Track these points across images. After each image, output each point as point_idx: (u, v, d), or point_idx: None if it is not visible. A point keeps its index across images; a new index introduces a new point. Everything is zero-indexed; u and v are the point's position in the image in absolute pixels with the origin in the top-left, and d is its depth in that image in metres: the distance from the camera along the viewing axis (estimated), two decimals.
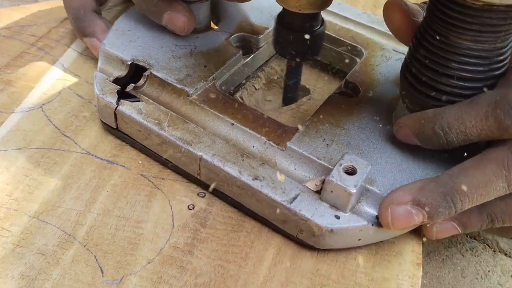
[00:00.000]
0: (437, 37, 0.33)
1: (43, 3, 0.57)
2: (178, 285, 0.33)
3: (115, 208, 0.37)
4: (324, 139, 0.38)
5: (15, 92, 0.45)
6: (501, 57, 0.33)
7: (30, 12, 0.55)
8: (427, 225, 0.35)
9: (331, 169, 0.35)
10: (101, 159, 0.40)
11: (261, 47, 0.48)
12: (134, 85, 0.41)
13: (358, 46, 0.48)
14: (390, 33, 0.48)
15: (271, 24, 0.48)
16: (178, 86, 0.40)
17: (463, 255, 0.42)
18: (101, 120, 0.42)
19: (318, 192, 0.35)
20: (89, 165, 0.40)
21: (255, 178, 0.36)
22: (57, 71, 0.48)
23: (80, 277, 0.33)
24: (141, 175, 0.40)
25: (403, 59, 0.46)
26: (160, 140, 0.38)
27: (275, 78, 0.50)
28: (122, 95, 0.40)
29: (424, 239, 0.37)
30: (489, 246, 0.43)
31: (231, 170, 0.36)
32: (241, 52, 0.45)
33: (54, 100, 0.45)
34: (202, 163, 0.37)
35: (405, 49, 0.47)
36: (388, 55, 0.47)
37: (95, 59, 0.49)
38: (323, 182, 0.35)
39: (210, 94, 0.41)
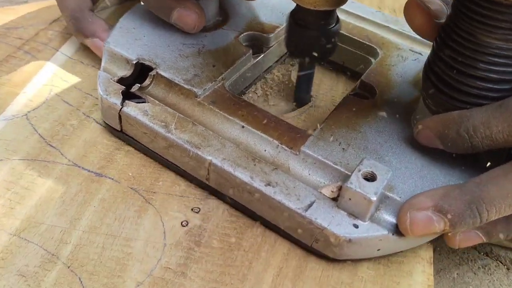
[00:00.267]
0: (464, 36, 0.31)
1: (33, 4, 0.54)
2: None
3: (102, 225, 0.35)
4: (340, 143, 0.36)
5: None
6: None
7: (18, 14, 0.52)
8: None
9: (348, 175, 0.33)
10: (89, 171, 0.38)
11: (272, 46, 0.46)
12: (139, 85, 0.39)
13: (373, 46, 0.46)
14: (405, 32, 0.47)
15: (281, 23, 0.46)
16: (186, 86, 0.38)
17: (475, 273, 0.40)
18: (105, 122, 0.40)
19: (334, 199, 0.33)
20: (76, 177, 0.37)
21: (268, 184, 0.34)
22: (44, 76, 0.45)
23: None
24: (131, 188, 0.37)
25: (420, 59, 0.45)
26: (167, 143, 0.36)
27: (284, 80, 0.48)
28: (127, 96, 0.39)
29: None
30: (502, 263, 0.41)
31: (242, 175, 0.34)
32: (251, 51, 0.43)
33: (40, 107, 0.42)
34: (212, 167, 0.35)
35: (422, 49, 0.46)
36: (405, 55, 0.45)
37: (84, 64, 0.47)
38: (339, 188, 0.33)
39: (219, 95, 0.39)
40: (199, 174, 0.36)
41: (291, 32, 0.39)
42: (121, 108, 0.37)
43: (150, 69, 0.40)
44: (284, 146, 0.36)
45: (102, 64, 0.41)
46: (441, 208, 0.30)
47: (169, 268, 0.33)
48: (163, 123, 0.37)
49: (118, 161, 0.39)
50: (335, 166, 0.34)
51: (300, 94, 0.44)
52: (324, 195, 0.34)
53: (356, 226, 0.32)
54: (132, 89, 0.39)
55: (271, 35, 0.45)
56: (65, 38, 0.50)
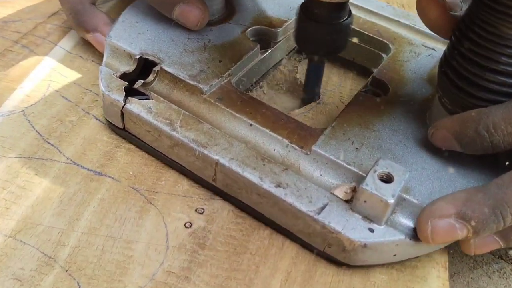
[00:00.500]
0: (486, 28, 0.29)
1: None
2: None
3: (102, 226, 0.33)
4: (353, 142, 0.34)
5: None
6: None
7: (15, 7, 0.51)
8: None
9: (362, 176, 0.32)
10: (88, 169, 0.36)
11: (280, 41, 0.44)
12: (143, 81, 0.37)
13: (385, 41, 0.44)
14: (417, 27, 0.45)
15: (290, 17, 0.45)
16: (191, 82, 0.37)
17: (490, 277, 0.38)
18: (107, 120, 0.38)
19: (348, 201, 0.32)
20: (74, 176, 0.36)
21: (278, 185, 0.32)
22: (42, 71, 0.44)
23: None
24: (132, 188, 0.35)
25: (433, 55, 0.43)
26: (172, 142, 0.35)
27: (287, 80, 0.46)
28: (130, 92, 0.37)
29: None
30: None
31: (251, 176, 0.32)
32: (258, 46, 0.41)
33: (38, 103, 0.41)
34: (219, 167, 0.33)
35: (435, 44, 0.44)
36: (418, 51, 0.43)
37: (84, 58, 0.45)
38: (353, 189, 0.32)
39: (226, 92, 0.37)
40: (205, 175, 0.35)
41: (301, 26, 0.38)
42: (124, 105, 0.36)
43: (154, 64, 0.38)
44: (294, 145, 0.34)
45: (104, 59, 0.39)
46: (464, 215, 0.29)
47: (172, 272, 0.31)
48: (168, 121, 0.35)
49: (118, 159, 0.37)
50: (348, 166, 0.33)
51: (308, 91, 0.43)
52: (337, 197, 0.32)
53: (371, 230, 0.30)
54: (135, 85, 0.37)
55: (279, 29, 0.44)
56: (64, 32, 0.48)
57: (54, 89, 0.42)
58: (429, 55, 0.43)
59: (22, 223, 0.33)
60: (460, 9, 0.33)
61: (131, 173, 0.36)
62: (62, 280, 0.30)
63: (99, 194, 0.35)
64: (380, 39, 0.44)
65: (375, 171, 0.30)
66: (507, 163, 0.32)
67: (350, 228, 0.30)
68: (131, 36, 0.40)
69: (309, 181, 0.32)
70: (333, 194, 0.32)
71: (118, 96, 0.36)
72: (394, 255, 0.31)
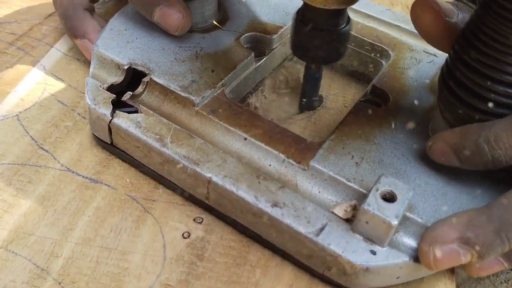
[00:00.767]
0: (494, 36, 0.28)
1: None
2: None
3: (97, 237, 0.32)
4: (353, 156, 0.33)
5: None
6: None
7: (11, 7, 0.50)
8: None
9: (362, 193, 0.30)
10: (83, 177, 0.35)
11: (275, 48, 0.42)
12: (131, 93, 0.35)
13: (384, 47, 0.42)
14: None
15: (285, 22, 0.43)
16: (182, 94, 0.35)
17: None
18: (94, 135, 0.36)
19: (348, 219, 0.30)
20: (69, 184, 0.35)
21: (274, 205, 0.30)
22: (37, 73, 0.42)
23: None
24: (128, 196, 0.34)
25: (435, 61, 0.41)
26: (162, 159, 0.33)
27: (289, 82, 0.44)
28: (118, 105, 0.35)
29: None
30: None
31: (246, 195, 0.31)
32: (253, 54, 0.40)
33: (32, 107, 0.40)
34: (212, 186, 0.31)
35: (436, 50, 0.42)
36: (419, 57, 0.41)
37: (80, 61, 0.44)
38: (354, 207, 0.30)
39: (219, 103, 0.35)
40: (197, 193, 0.33)
41: (298, 33, 0.36)
42: (111, 119, 0.34)
43: (143, 75, 0.36)
44: (291, 161, 0.32)
45: (91, 69, 0.38)
46: (468, 240, 0.27)
47: (169, 285, 0.30)
48: (157, 136, 0.33)
49: (115, 166, 0.36)
50: (348, 183, 0.31)
51: (306, 100, 0.41)
52: (336, 215, 0.30)
53: (373, 253, 0.28)
54: (123, 97, 0.35)
55: (275, 36, 0.42)
56: (60, 33, 0.47)
57: (49, 93, 0.41)
58: (430, 62, 0.41)
59: (14, 233, 0.32)
60: (456, 17, 0.31)
61: (127, 180, 0.35)
62: None
63: (94, 202, 0.34)
64: (380, 45, 0.42)
65: (377, 190, 0.29)
66: None
67: (351, 250, 0.28)
68: (119, 45, 0.38)
69: (307, 199, 0.31)
70: (333, 212, 0.30)
71: (105, 110, 0.34)
72: (398, 277, 0.29)
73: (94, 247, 0.32)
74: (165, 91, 0.35)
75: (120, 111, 0.34)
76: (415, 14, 0.31)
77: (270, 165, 0.33)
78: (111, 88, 0.36)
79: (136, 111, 0.35)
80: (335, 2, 0.32)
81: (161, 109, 0.35)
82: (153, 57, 0.37)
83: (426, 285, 0.31)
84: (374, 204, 0.28)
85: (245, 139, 0.33)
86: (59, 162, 0.36)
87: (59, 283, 0.30)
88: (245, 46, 0.40)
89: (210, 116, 0.34)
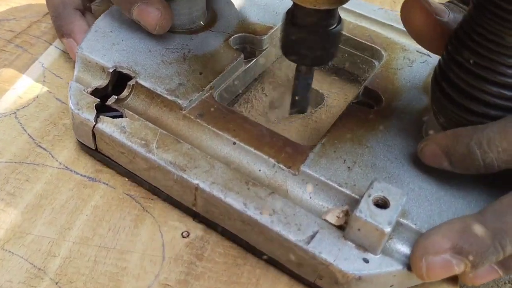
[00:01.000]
0: (488, 36, 0.27)
1: None
2: None
3: (95, 236, 0.32)
4: (345, 160, 0.32)
5: None
6: None
7: (9, 5, 0.49)
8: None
9: (355, 198, 0.29)
10: (81, 175, 0.35)
11: (265, 49, 0.41)
12: (116, 97, 0.34)
13: (377, 47, 0.41)
14: None
15: (275, 23, 0.42)
16: (169, 97, 0.34)
17: None
18: (78, 140, 0.35)
19: (340, 226, 0.29)
20: (67, 182, 0.34)
21: (264, 212, 0.29)
22: (35, 71, 0.42)
23: None
24: (127, 195, 0.34)
25: (429, 61, 0.40)
26: (148, 165, 0.32)
27: (282, 83, 0.43)
28: (102, 109, 0.34)
29: None
30: None
31: (235, 202, 0.30)
32: (242, 55, 0.39)
33: (31, 105, 0.39)
34: (199, 193, 0.30)
35: None
36: (412, 57, 0.40)
37: None
38: (346, 213, 0.29)
39: (207, 107, 0.34)
40: (184, 200, 0.32)
41: (288, 33, 0.35)
42: (95, 124, 0.33)
43: (129, 78, 0.35)
44: (281, 165, 0.31)
45: (75, 72, 0.37)
46: (461, 250, 0.26)
47: (167, 285, 0.30)
48: (143, 141, 0.32)
49: (114, 164, 0.35)
50: (340, 188, 0.30)
51: (297, 103, 0.40)
52: (328, 222, 0.29)
53: (366, 261, 0.27)
54: (108, 101, 0.34)
55: (265, 37, 0.41)
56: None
57: (47, 91, 0.40)
58: (423, 62, 0.40)
59: (11, 232, 0.31)
60: (448, 16, 0.30)
61: (126, 179, 0.35)
62: None
63: (92, 201, 0.33)
64: (372, 45, 0.42)
65: (369, 196, 0.28)
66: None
67: (343, 258, 0.27)
68: (104, 47, 0.37)
69: (297, 206, 0.30)
70: (324, 219, 0.29)
71: (89, 115, 0.33)
72: (391, 286, 0.29)
73: (92, 247, 0.31)
74: (152, 95, 0.34)
75: (104, 115, 0.33)
76: (405, 14, 0.30)
77: (260, 170, 0.32)
78: (95, 92, 0.35)
79: (121, 116, 0.34)
80: (325, 2, 0.31)
81: (147, 113, 0.34)
82: (139, 60, 0.36)
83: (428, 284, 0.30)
84: (366, 211, 0.27)
85: (234, 143, 0.32)
86: (57, 160, 0.36)
87: (56, 283, 0.29)
88: (234, 48, 0.39)
89: (198, 120, 0.33)
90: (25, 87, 0.41)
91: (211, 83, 0.36)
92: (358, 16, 0.45)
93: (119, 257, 0.31)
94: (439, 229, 0.27)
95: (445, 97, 0.30)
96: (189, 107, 0.34)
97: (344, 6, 0.44)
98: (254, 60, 0.40)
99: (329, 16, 0.33)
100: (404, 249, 0.28)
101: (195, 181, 0.30)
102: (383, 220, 0.27)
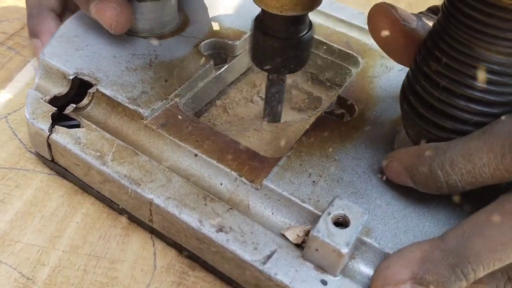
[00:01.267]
0: (456, 47, 0.25)
1: None
2: None
3: (85, 244, 0.31)
4: (310, 174, 0.30)
5: None
6: None
7: (1, 6, 0.49)
8: None
9: (318, 215, 0.28)
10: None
11: (238, 55, 0.40)
12: (75, 105, 0.33)
13: (354, 54, 0.40)
14: None
15: (249, 28, 0.40)
16: (130, 106, 0.33)
17: None
18: (36, 151, 0.34)
19: (299, 245, 0.28)
20: (58, 189, 0.34)
21: (220, 230, 0.28)
22: (27, 74, 0.41)
23: None
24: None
25: (407, 69, 0.39)
26: (102, 178, 0.30)
27: (255, 92, 0.42)
28: (61, 118, 0.33)
29: None
30: None
31: (189, 218, 0.28)
32: (212, 62, 0.37)
33: (22, 109, 0.38)
34: (154, 208, 0.29)
35: None
36: (390, 65, 0.39)
37: None
38: (307, 233, 0.28)
39: (171, 117, 0.33)
40: (141, 215, 0.30)
41: (256, 40, 0.34)
42: (50, 134, 0.32)
43: (90, 85, 0.34)
44: (243, 179, 0.30)
45: (36, 79, 0.35)
46: (422, 279, 0.25)
47: None
48: (98, 153, 0.31)
49: None
50: (302, 204, 0.29)
51: (270, 111, 0.38)
52: (287, 239, 0.28)
53: (324, 283, 0.26)
54: (66, 110, 0.33)
55: (237, 42, 0.39)
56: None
57: None
58: (402, 70, 0.39)
59: None
60: (416, 24, 0.29)
61: None
62: None
63: (83, 208, 0.33)
64: (348, 51, 0.40)
65: (329, 214, 0.26)
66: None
67: (300, 280, 0.26)
68: (67, 53, 0.36)
69: (256, 223, 0.28)
70: (283, 235, 0.28)
71: (43, 125, 0.32)
72: None
73: (82, 255, 0.30)
74: (112, 103, 0.33)
75: (61, 125, 0.32)
76: (371, 23, 0.29)
77: (221, 184, 0.30)
78: (54, 100, 0.33)
79: (78, 126, 0.32)
80: (291, 8, 0.30)
81: (108, 123, 0.33)
82: (102, 66, 0.35)
83: None
84: (324, 230, 0.26)
85: (196, 155, 0.31)
86: (47, 166, 0.35)
87: None
88: (205, 54, 0.38)
89: (159, 130, 0.32)
90: (16, 90, 0.40)
91: (177, 91, 0.34)
92: (337, 21, 0.43)
93: (109, 266, 0.30)
94: (399, 257, 0.26)
95: (413, 111, 0.28)
96: (151, 117, 0.33)
97: (323, 10, 0.43)
98: (225, 67, 0.39)
99: (297, 22, 0.32)
100: (366, 270, 0.27)
101: (150, 196, 0.29)
102: (341, 240, 0.25)
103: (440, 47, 0.26)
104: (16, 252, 0.30)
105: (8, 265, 0.30)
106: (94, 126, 0.32)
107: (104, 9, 0.35)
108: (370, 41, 0.41)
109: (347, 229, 0.26)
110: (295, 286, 0.26)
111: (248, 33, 0.40)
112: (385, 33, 0.28)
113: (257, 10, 0.32)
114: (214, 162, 0.31)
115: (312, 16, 0.33)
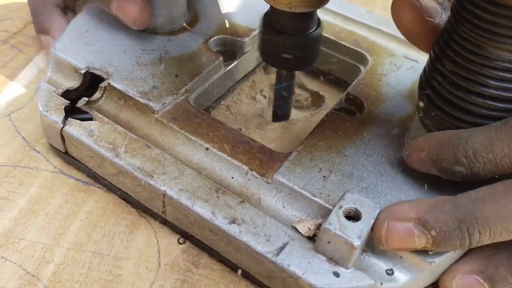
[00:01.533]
0: (467, 46, 0.26)
1: None
2: None
3: (89, 242, 0.31)
4: (321, 169, 0.30)
5: None
6: None
7: (3, 5, 0.49)
8: (445, 281, 0.28)
9: (329, 209, 0.28)
10: (76, 179, 0.34)
11: (247, 52, 0.40)
12: (87, 99, 0.33)
13: (363, 52, 0.40)
14: (400, 36, 0.41)
15: (258, 25, 0.41)
16: (141, 100, 0.33)
17: None
18: (49, 143, 0.34)
19: (311, 237, 0.28)
20: (61, 186, 0.34)
21: (232, 221, 0.28)
22: (30, 72, 0.41)
23: None
24: (122, 199, 0.33)
25: (416, 67, 0.39)
26: (116, 170, 0.31)
27: (264, 89, 0.42)
28: (73, 111, 0.33)
29: None
30: None
31: (202, 210, 0.28)
32: (221, 58, 0.38)
33: (25, 107, 0.38)
34: (167, 200, 0.29)
35: (418, 55, 0.40)
36: (398, 63, 0.39)
37: None
38: (318, 226, 0.28)
39: (182, 111, 0.33)
40: (154, 206, 0.31)
41: (265, 37, 0.34)
42: (63, 126, 0.32)
43: (101, 79, 0.34)
44: (254, 173, 0.30)
45: (48, 73, 0.35)
46: (425, 222, 0.25)
47: None
48: (111, 146, 0.31)
49: None
50: (313, 198, 0.29)
51: (278, 109, 0.39)
52: (299, 232, 0.28)
53: (337, 275, 0.26)
54: (78, 103, 0.33)
55: (246, 39, 0.40)
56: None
57: None
58: (410, 68, 0.39)
59: (4, 237, 0.31)
60: (440, 17, 0.29)
61: None
62: None
63: (87, 206, 0.33)
64: (357, 49, 0.40)
65: (340, 207, 0.27)
66: None
67: (313, 272, 0.26)
68: (78, 47, 0.36)
69: (268, 216, 0.29)
70: (295, 228, 0.28)
71: (57, 117, 0.32)
72: None
73: (86, 253, 0.30)
74: (124, 97, 0.33)
75: (74, 118, 0.32)
76: (395, 11, 0.30)
77: (232, 178, 0.31)
78: (67, 94, 0.34)
79: (91, 119, 0.33)
80: (300, 4, 0.30)
81: (119, 116, 0.33)
82: (114, 61, 0.35)
83: None
84: (336, 223, 0.26)
85: (207, 149, 0.31)
86: (51, 164, 0.35)
87: None
88: (214, 50, 0.38)
89: (170, 124, 0.32)
90: (20, 88, 0.40)
91: (187, 86, 0.34)
92: (345, 19, 0.43)
93: (113, 263, 0.30)
94: (411, 200, 0.27)
95: (432, 103, 0.29)
96: (162, 111, 0.33)
97: (332, 8, 0.43)
98: (234, 63, 0.39)
99: (306, 19, 0.32)
100: (379, 262, 0.27)
101: (163, 188, 0.29)
102: (353, 233, 0.25)
103: (451, 45, 0.27)
104: (20, 250, 0.30)
105: (12, 262, 0.30)
106: (106, 119, 0.32)
107: (127, 6, 0.35)
108: (379, 39, 0.42)
109: (359, 222, 0.26)
110: (307, 277, 0.26)
111: (257, 30, 0.40)
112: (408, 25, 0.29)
113: (266, 7, 0.33)
114: (225, 156, 0.31)
115: (321, 14, 0.34)
